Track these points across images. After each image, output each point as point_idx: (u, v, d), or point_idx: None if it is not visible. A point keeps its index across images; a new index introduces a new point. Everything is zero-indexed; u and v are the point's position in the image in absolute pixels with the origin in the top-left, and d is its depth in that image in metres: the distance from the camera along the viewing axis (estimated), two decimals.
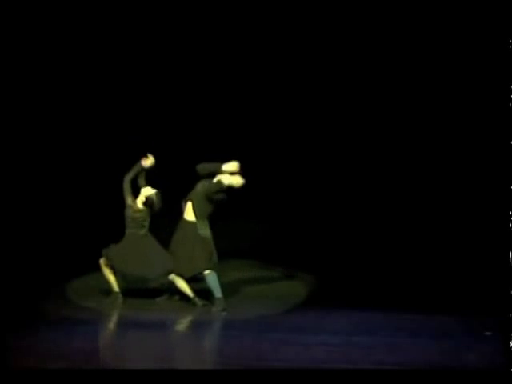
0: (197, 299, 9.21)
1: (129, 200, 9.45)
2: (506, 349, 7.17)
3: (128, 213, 9.45)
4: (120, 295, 9.40)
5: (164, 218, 9.54)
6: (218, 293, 9.16)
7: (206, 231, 9.34)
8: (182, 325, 8.69)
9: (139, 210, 9.44)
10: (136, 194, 9.52)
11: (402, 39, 11.79)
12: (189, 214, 9.38)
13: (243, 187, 9.38)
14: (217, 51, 12.22)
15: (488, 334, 8.05)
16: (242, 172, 9.46)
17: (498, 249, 10.73)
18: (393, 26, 11.75)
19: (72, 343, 7.67)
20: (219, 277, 9.27)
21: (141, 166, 9.52)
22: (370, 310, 9.25)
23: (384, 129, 12.19)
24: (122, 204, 9.53)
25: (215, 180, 9.34)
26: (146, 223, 9.46)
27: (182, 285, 9.29)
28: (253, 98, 12.40)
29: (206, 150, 12.51)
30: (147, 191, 9.46)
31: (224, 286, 9.57)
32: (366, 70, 12.12)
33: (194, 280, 9.34)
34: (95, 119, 12.31)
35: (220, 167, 9.39)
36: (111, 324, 8.98)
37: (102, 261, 9.39)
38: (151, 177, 9.68)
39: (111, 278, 9.41)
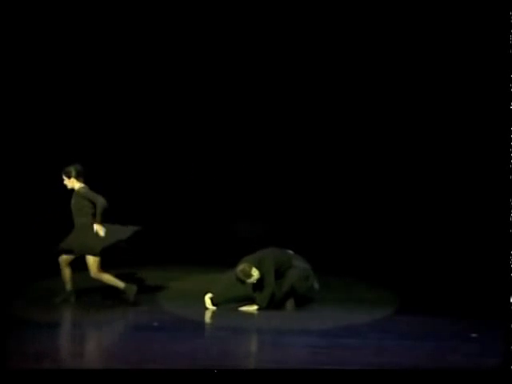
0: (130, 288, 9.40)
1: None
2: (493, 350, 7.23)
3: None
4: (73, 294, 9.47)
5: None
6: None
7: None
8: (168, 326, 8.66)
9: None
10: None
11: (401, 39, 11.83)
12: None
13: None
14: (212, 54, 12.27)
15: (474, 335, 8.07)
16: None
17: (486, 251, 10.87)
18: (393, 26, 11.77)
19: (58, 344, 7.67)
20: None
21: None
22: (357, 311, 9.29)
23: (384, 127, 12.24)
24: None
25: None
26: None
27: (110, 278, 9.39)
28: (253, 100, 12.43)
29: (208, 151, 12.65)
30: None
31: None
32: (365, 70, 12.16)
33: None
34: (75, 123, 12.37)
35: None
36: (98, 325, 8.94)
37: (61, 259, 9.46)
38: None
39: (68, 277, 9.46)
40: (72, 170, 9.55)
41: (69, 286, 9.50)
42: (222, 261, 11.74)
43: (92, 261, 9.33)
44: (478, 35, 11.24)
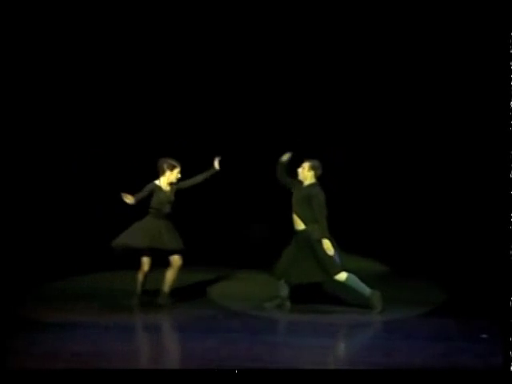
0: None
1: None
2: (502, 350, 7.23)
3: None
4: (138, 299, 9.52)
5: None
6: (365, 291, 9.20)
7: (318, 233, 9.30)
8: (176, 326, 8.70)
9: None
10: None
11: (401, 39, 11.81)
12: (299, 224, 9.34)
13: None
14: (213, 54, 12.27)
15: (484, 336, 8.07)
16: None
17: (494, 251, 10.83)
18: (393, 27, 11.76)
19: (68, 345, 7.72)
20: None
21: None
22: (366, 311, 9.29)
23: (382, 128, 12.23)
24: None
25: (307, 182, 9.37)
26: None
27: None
28: (252, 101, 12.43)
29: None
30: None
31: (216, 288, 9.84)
32: (367, 70, 12.15)
33: None
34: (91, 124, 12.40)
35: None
36: (109, 326, 8.97)
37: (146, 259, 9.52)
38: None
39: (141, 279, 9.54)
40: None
41: (139, 290, 9.52)
42: (233, 262, 11.78)
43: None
44: (478, 35, 11.20)
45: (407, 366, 6.98)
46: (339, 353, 7.54)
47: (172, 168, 9.54)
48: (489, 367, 6.98)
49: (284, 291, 9.44)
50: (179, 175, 9.57)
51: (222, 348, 7.67)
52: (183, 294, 9.95)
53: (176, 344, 7.90)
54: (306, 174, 9.36)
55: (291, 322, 9.03)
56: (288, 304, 9.43)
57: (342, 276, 9.16)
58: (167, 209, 9.52)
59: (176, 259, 9.48)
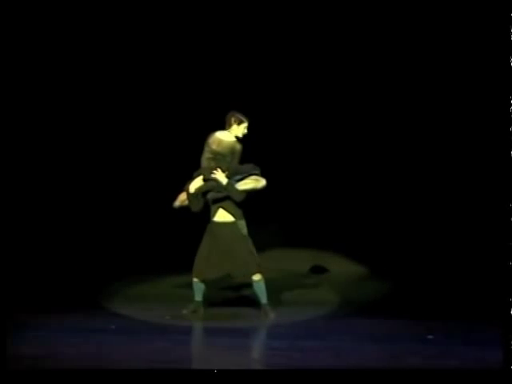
0: None
1: None
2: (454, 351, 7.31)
3: None
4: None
5: None
6: (264, 299, 9.09)
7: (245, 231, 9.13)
8: (126, 329, 8.63)
9: None
10: None
11: (402, 39, 11.85)
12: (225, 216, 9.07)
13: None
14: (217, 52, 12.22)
15: (430, 337, 8.13)
16: None
17: (445, 252, 10.98)
18: (393, 26, 11.80)
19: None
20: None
21: None
22: (315, 313, 9.30)
23: (383, 129, 12.24)
24: None
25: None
26: None
27: None
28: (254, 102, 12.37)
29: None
30: None
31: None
32: (370, 69, 12.17)
33: None
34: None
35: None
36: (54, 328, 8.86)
37: None
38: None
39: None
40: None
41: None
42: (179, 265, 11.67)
43: None
44: (478, 35, 11.26)
45: (356, 368, 7.00)
46: (288, 354, 7.53)
47: (239, 122, 9.20)
48: (440, 368, 7.02)
49: (199, 295, 9.24)
50: (246, 131, 9.15)
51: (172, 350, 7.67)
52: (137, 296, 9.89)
53: (125, 346, 7.83)
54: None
55: (238, 323, 8.96)
56: (202, 309, 9.25)
57: (257, 276, 9.04)
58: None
59: None
